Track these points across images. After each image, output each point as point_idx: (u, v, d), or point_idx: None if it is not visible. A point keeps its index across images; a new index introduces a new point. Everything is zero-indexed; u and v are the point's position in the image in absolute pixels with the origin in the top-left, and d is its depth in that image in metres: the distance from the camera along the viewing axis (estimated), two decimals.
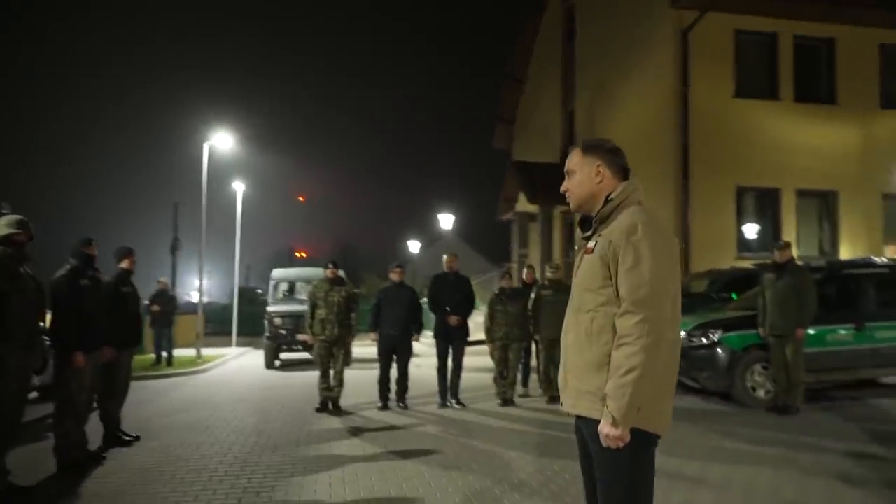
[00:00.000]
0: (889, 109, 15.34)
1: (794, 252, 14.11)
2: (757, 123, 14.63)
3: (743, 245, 14.80)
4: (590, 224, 2.46)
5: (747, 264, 12.45)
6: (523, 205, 20.34)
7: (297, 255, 60.17)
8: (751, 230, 14.96)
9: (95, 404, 6.32)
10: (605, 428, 2.19)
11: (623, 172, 2.46)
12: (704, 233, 14.19)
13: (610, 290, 2.28)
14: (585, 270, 2.38)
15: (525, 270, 9.52)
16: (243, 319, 23.68)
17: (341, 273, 8.77)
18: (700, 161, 14.31)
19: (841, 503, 4.46)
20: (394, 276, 8.82)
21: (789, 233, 14.60)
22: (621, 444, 2.18)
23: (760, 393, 8.09)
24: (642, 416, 2.20)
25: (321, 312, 8.41)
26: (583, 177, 2.45)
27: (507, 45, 25.12)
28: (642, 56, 16.03)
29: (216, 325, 28.27)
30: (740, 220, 14.89)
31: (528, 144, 24.01)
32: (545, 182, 19.15)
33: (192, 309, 27.30)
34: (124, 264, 6.83)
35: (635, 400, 2.14)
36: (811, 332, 7.76)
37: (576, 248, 2.52)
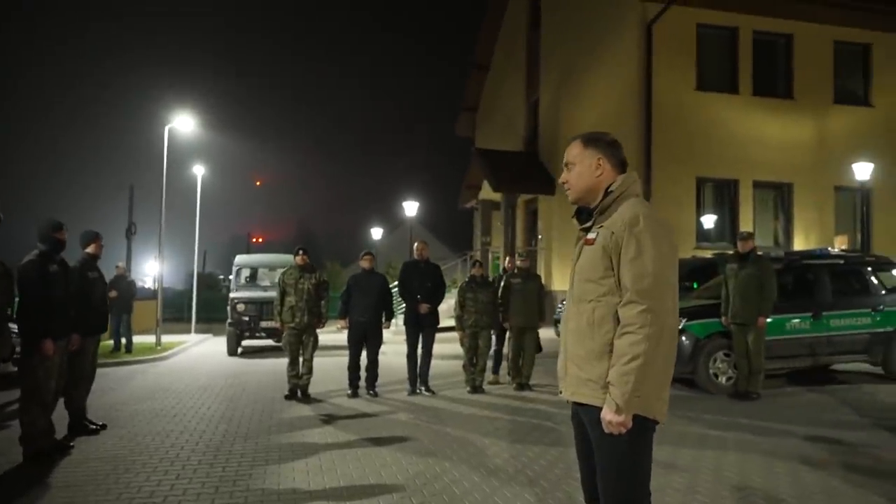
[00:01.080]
0: (842, 105, 15.87)
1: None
2: (717, 116, 14.98)
3: (702, 235, 15.18)
4: (587, 216, 2.51)
5: (707, 254, 12.77)
6: (487, 193, 20.43)
7: (255, 240, 59.50)
8: (709, 220, 15.33)
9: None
10: (607, 414, 2.25)
11: (621, 165, 2.51)
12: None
13: (611, 280, 2.33)
14: (586, 261, 2.43)
15: (518, 258, 9.54)
16: (201, 305, 23.32)
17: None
18: (661, 152, 14.60)
19: (804, 484, 4.63)
20: (364, 264, 8.80)
21: (746, 223, 15.02)
22: (623, 430, 2.25)
23: (722, 379, 8.33)
24: (643, 403, 2.26)
25: (291, 300, 8.35)
26: (583, 169, 2.49)
27: (471, 32, 25.06)
28: (607, 47, 16.22)
29: (173, 311, 27.74)
30: (699, 211, 15.27)
31: (492, 132, 24.10)
32: (509, 170, 19.28)
33: (148, 294, 26.78)
34: (91, 249, 6.65)
35: (638, 387, 2.21)
36: (770, 320, 8.00)
37: (577, 238, 2.56)
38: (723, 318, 8.10)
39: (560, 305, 11.84)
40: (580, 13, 17.67)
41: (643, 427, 2.32)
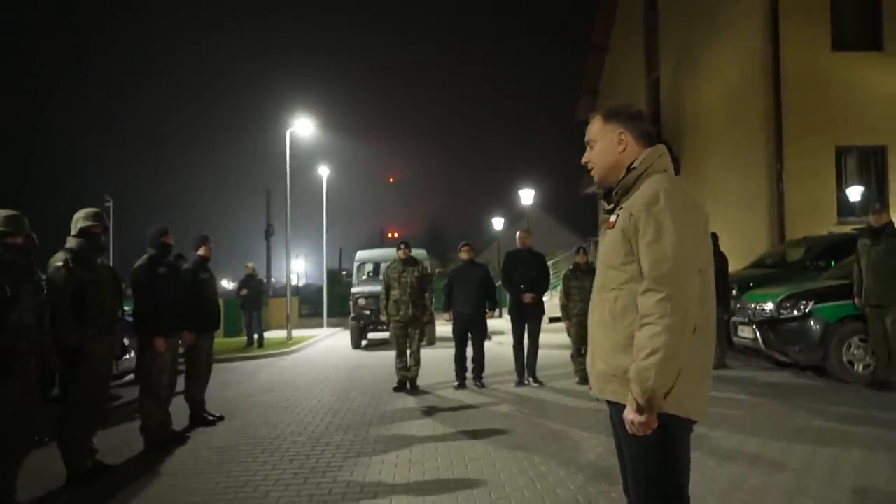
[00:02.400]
0: None
1: None
2: (858, 77, 13.60)
3: (845, 209, 13.84)
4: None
5: (848, 230, 11.64)
6: None
7: (390, 235, 61.25)
8: (854, 193, 13.96)
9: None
10: (629, 413, 2.04)
11: (647, 138, 2.27)
12: (800, 197, 13.37)
13: (633, 266, 2.11)
14: (608, 246, 2.23)
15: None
16: (334, 300, 24.35)
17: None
18: (794, 122, 13.47)
19: None
20: (463, 255, 8.78)
21: None
22: (648, 431, 2.04)
23: (859, 367, 7.56)
24: (673, 400, 2.04)
25: (395, 293, 8.48)
26: (605, 145, 2.28)
27: (589, 14, 24.29)
28: (728, 15, 15.18)
29: (312, 307, 29.12)
30: (841, 183, 13.94)
31: None
32: None
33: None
34: (202, 251, 7.08)
35: (660, 383, 1.98)
36: None
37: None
38: (855, 300, 7.34)
39: None
40: None
41: (675, 427, 2.09)
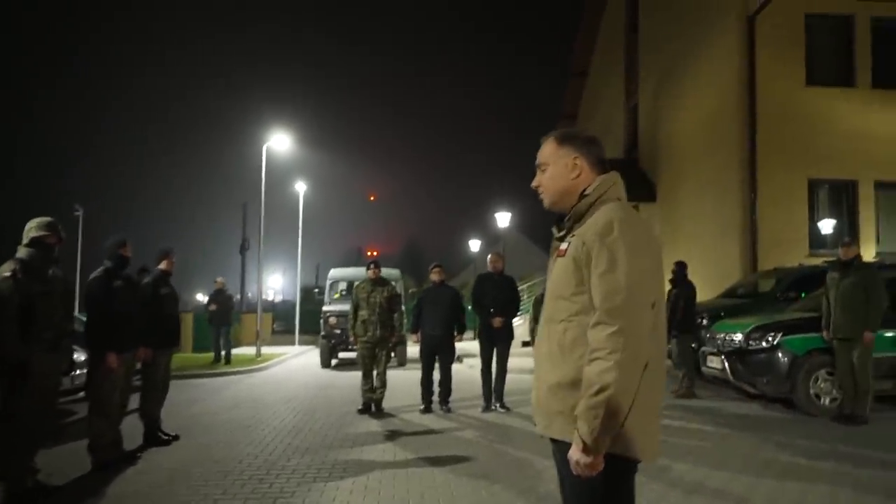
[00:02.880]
0: None
1: (872, 250, 13.28)
2: (831, 112, 13.78)
3: (816, 241, 13.96)
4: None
5: (819, 262, 11.72)
6: None
7: (368, 253, 61.00)
8: (826, 226, 14.09)
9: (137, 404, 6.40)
10: (574, 453, 1.92)
11: (601, 165, 2.19)
12: (773, 228, 13.46)
13: (584, 297, 2.01)
14: (557, 275, 2.12)
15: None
16: (307, 318, 24.07)
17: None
18: (769, 152, 13.60)
19: None
20: (434, 276, 8.67)
21: (868, 228, 13.73)
22: (593, 473, 1.93)
23: (825, 400, 7.54)
24: (621, 440, 1.93)
25: (363, 313, 8.34)
26: (557, 170, 2.19)
27: (569, 39, 24.57)
28: (707, 45, 15.38)
29: (286, 324, 28.77)
30: (813, 215, 14.06)
31: None
32: None
33: (263, 307, 27.98)
34: (163, 265, 6.89)
35: (609, 422, 1.87)
36: (887, 334, 7.17)
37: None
38: (823, 332, 7.33)
39: None
40: (679, 12, 16.86)
41: (621, 468, 1.98)
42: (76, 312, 6.94)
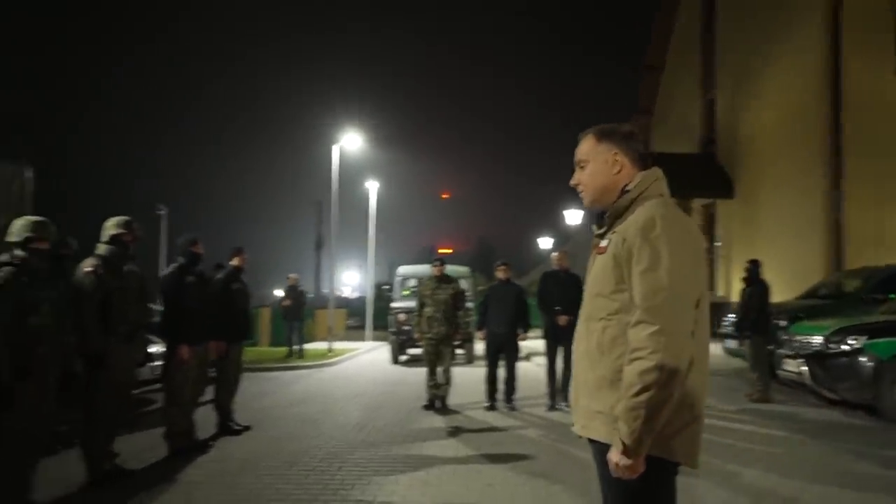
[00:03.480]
0: None
1: None
2: None
3: None
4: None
5: None
6: None
7: (441, 251, 61.37)
8: None
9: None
10: (614, 455, 1.89)
11: (642, 160, 2.14)
12: (862, 225, 12.80)
13: (624, 295, 1.97)
14: (597, 273, 2.09)
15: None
16: (380, 314, 24.41)
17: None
18: (857, 144, 12.94)
19: None
20: (500, 274, 8.65)
21: None
22: (634, 475, 1.89)
23: None
24: (662, 442, 1.89)
25: (428, 310, 8.41)
26: (597, 166, 2.15)
27: (644, 33, 24.01)
28: (788, 34, 14.75)
29: (361, 319, 29.23)
30: None
31: (667, 135, 22.90)
32: (682, 174, 18.13)
33: (338, 303, 28.51)
34: (235, 262, 7.15)
35: (650, 424, 1.83)
36: None
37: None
38: None
39: (726, 319, 10.83)
40: (757, 1, 16.24)
41: (661, 470, 1.94)
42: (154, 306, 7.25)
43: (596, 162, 2.15)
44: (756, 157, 16.43)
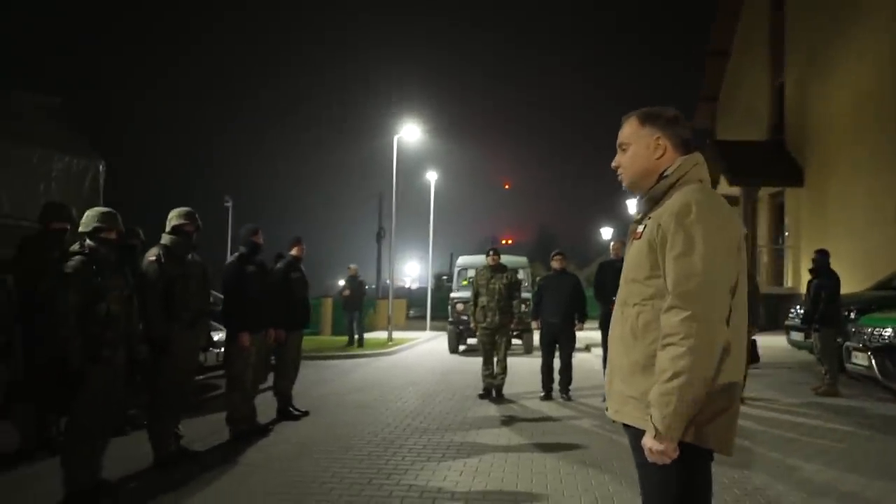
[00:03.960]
0: None
1: None
2: None
3: None
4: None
5: None
6: (724, 187, 18.81)
7: (504, 242, 61.22)
8: None
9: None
10: (647, 441, 1.90)
11: (684, 146, 2.11)
12: None
13: (659, 280, 1.97)
14: (632, 258, 2.09)
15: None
16: (439, 304, 24.63)
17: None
18: None
19: None
20: (555, 264, 8.61)
21: None
22: (667, 460, 1.89)
23: None
24: (694, 429, 1.89)
25: (483, 300, 8.45)
26: (639, 150, 2.12)
27: (709, 18, 23.27)
28: (861, 14, 14.12)
29: (421, 309, 29.54)
30: None
31: (733, 122, 22.26)
32: (749, 162, 17.63)
33: (402, 294, 28.88)
34: (294, 251, 7.34)
35: (682, 409, 1.83)
36: None
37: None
38: None
39: (793, 311, 10.48)
40: None
41: (695, 458, 1.93)
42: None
43: (638, 145, 2.13)
44: (827, 145, 15.80)
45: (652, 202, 2.09)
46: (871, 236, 13.30)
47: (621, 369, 2.07)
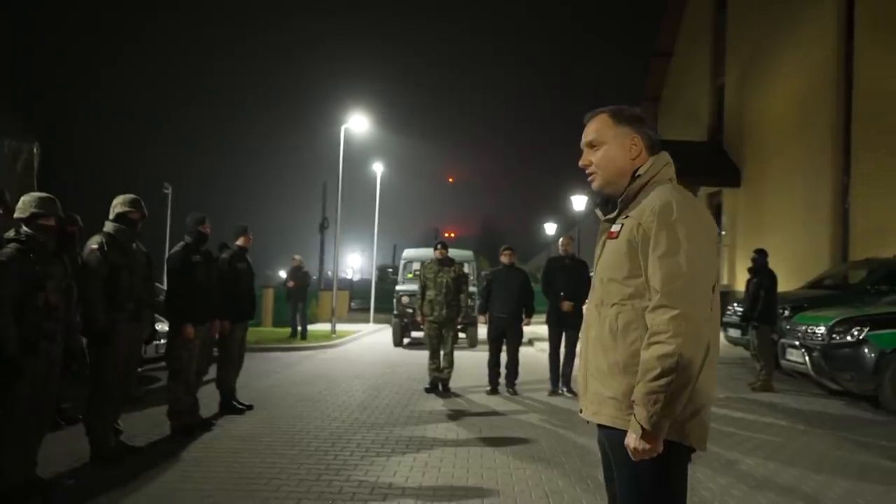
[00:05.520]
0: None
1: None
2: None
3: None
4: (613, 205, 2.15)
5: None
6: None
7: (446, 235, 61.28)
8: None
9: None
10: (632, 440, 1.89)
11: (654, 146, 2.12)
12: (868, 216, 12.72)
13: (638, 280, 1.97)
14: (609, 258, 2.08)
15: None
16: (383, 297, 24.49)
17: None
18: (866, 136, 12.84)
19: None
20: (504, 259, 8.65)
21: None
22: (652, 457, 1.90)
23: None
24: (677, 426, 1.90)
25: (430, 293, 8.42)
26: (615, 150, 2.11)
27: (653, 18, 23.77)
28: (800, 19, 14.62)
29: (363, 302, 29.31)
30: None
31: (675, 122, 22.76)
32: (688, 162, 18.02)
33: (341, 285, 28.50)
34: (240, 241, 7.15)
35: (668, 408, 1.84)
36: None
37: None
38: None
39: (730, 308, 10.82)
40: None
41: (676, 455, 1.94)
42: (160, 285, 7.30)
43: (614, 145, 2.11)
44: (763, 146, 16.34)
45: (625, 202, 2.08)
46: (806, 236, 13.82)
47: (599, 370, 2.06)
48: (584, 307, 2.22)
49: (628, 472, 1.99)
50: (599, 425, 2.10)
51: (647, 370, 1.86)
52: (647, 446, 1.87)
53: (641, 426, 1.86)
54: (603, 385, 2.04)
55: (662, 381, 1.83)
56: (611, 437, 2.05)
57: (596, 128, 2.15)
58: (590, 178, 2.18)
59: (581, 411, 2.18)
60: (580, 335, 2.22)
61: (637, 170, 2.09)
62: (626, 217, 2.05)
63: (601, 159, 2.14)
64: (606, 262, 2.09)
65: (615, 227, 2.08)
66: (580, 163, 2.19)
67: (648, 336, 1.89)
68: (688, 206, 1.96)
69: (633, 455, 1.90)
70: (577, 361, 8.42)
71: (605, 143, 2.13)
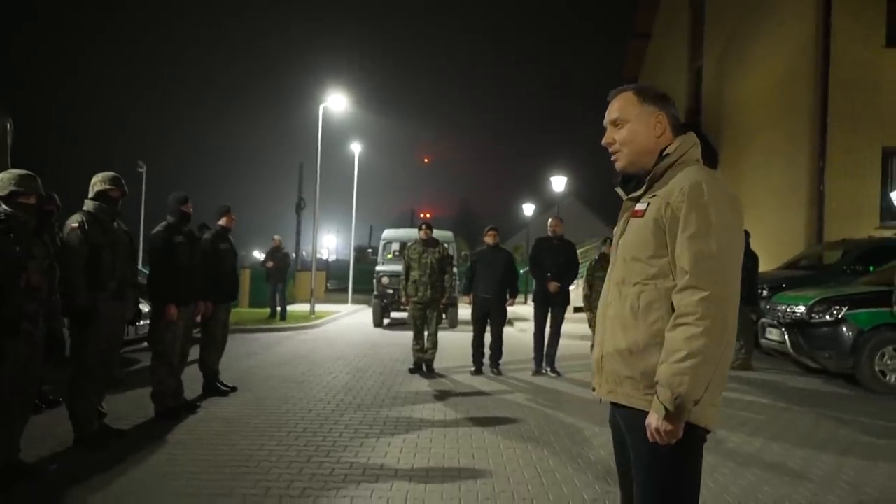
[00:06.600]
0: None
1: None
2: None
3: (888, 213, 13.34)
4: (636, 184, 2.11)
5: (890, 234, 11.23)
6: None
7: (422, 215, 61.10)
8: None
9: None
10: (654, 421, 1.87)
11: (678, 126, 2.09)
12: (842, 198, 12.91)
13: (663, 260, 1.95)
14: (633, 236, 2.04)
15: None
16: (360, 277, 24.41)
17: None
18: (841, 118, 12.98)
19: None
20: (488, 239, 8.62)
21: None
22: (673, 440, 1.87)
23: (892, 378, 7.27)
24: (696, 409, 1.88)
25: (415, 274, 8.38)
26: (640, 127, 2.07)
27: (632, 0, 23.73)
28: (778, 3, 14.65)
29: (340, 283, 29.21)
30: (886, 186, 13.41)
31: None
32: None
33: (318, 266, 28.30)
34: (223, 222, 7.03)
35: (694, 390, 1.82)
36: None
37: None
38: (894, 308, 7.04)
39: None
40: None
41: (693, 437, 1.92)
42: (140, 266, 7.15)
43: (639, 122, 2.08)
44: (741, 128, 16.47)
45: (652, 181, 2.05)
46: (783, 217, 13.99)
47: (617, 349, 2.03)
48: (604, 286, 2.19)
49: (648, 455, 1.97)
50: (614, 404, 2.09)
51: (674, 351, 1.84)
52: (669, 427, 1.85)
53: (665, 407, 1.84)
54: (620, 364, 2.02)
55: (688, 363, 1.81)
56: (626, 417, 2.04)
57: (620, 105, 2.11)
58: (613, 158, 2.13)
59: (594, 389, 2.16)
60: (598, 314, 2.19)
61: (665, 149, 2.05)
62: (654, 196, 2.01)
63: (626, 137, 2.10)
64: (630, 241, 2.06)
65: (640, 206, 2.05)
66: (603, 141, 2.15)
67: (675, 317, 1.87)
68: (718, 188, 1.94)
69: (652, 436, 1.89)
70: (582, 342, 8.50)
71: (629, 121, 2.09)
